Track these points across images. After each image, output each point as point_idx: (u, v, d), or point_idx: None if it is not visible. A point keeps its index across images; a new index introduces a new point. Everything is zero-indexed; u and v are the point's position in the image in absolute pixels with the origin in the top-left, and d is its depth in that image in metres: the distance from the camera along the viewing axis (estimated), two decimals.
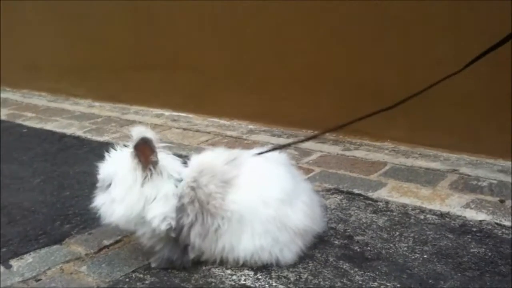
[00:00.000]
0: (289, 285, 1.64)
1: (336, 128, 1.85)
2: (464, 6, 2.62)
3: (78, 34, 4.61)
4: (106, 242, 2.00)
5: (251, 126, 3.55)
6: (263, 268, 1.72)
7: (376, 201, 2.24)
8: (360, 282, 1.63)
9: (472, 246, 1.82)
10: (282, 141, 3.18)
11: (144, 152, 1.67)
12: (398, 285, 1.61)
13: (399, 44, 2.88)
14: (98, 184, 1.77)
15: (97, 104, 4.51)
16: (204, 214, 1.67)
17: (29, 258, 1.90)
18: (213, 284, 1.66)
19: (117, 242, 2.00)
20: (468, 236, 1.89)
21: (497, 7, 2.50)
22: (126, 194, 1.67)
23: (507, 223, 1.97)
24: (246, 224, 1.66)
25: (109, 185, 1.71)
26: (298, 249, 1.74)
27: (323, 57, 3.20)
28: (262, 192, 1.69)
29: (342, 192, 2.36)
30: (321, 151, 2.94)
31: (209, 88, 3.81)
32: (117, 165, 1.72)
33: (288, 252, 1.72)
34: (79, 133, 3.63)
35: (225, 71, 3.69)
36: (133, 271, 1.78)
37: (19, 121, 4.09)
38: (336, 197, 2.30)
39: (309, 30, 3.21)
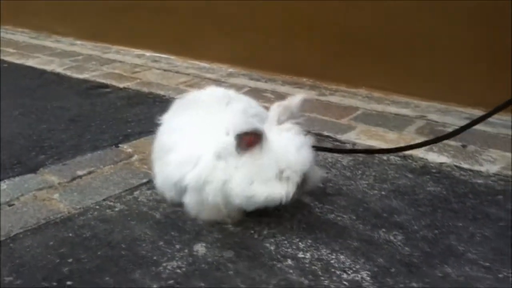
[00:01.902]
0: (251, 214, 1.71)
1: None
2: None
3: None
4: (79, 173, 2.06)
5: (230, 70, 3.58)
6: None
7: (344, 142, 2.32)
8: (318, 214, 1.72)
9: (429, 185, 1.91)
10: (260, 84, 3.22)
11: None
12: (354, 217, 1.70)
13: None
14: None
15: (78, 42, 4.49)
16: None
17: (3, 185, 1.95)
18: (179, 212, 1.73)
19: (90, 173, 2.06)
20: (426, 176, 1.98)
21: None
22: None
23: (466, 166, 2.06)
24: None
25: None
26: None
27: (303, 2, 3.20)
28: None
29: (312, 134, 2.41)
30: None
31: (191, 31, 3.81)
32: None
33: None
34: (59, 70, 3.63)
35: (208, 15, 3.69)
36: (104, 200, 1.84)
37: (0, 56, 4.06)
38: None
39: None
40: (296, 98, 1.69)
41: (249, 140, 1.52)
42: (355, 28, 3.04)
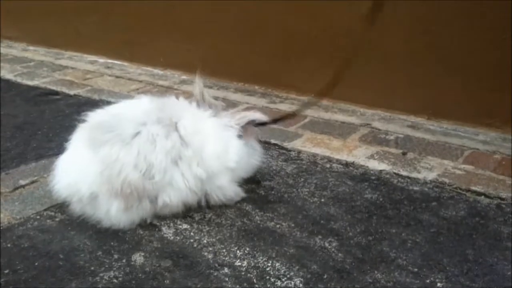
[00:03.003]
0: (192, 224, 1.74)
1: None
2: None
3: None
4: (22, 182, 2.04)
5: (184, 77, 3.59)
6: None
7: (290, 150, 2.36)
8: (258, 222, 1.76)
9: (367, 192, 1.97)
10: (212, 92, 3.24)
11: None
12: (293, 225, 1.74)
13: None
14: None
15: (31, 48, 4.43)
16: None
17: None
18: None
19: (33, 182, 2.05)
20: (365, 183, 2.04)
21: None
22: None
23: (404, 173, 2.13)
24: None
25: None
26: None
27: (255, 9, 3.24)
28: None
29: (259, 142, 2.44)
30: (247, 103, 3.02)
31: (144, 37, 3.81)
32: None
33: None
34: (9, 76, 3.58)
35: (160, 20, 3.69)
36: (45, 209, 1.84)
37: None
38: None
39: None
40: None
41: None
42: (305, 37, 3.09)
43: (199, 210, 1.82)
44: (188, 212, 1.80)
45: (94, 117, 1.79)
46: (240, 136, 1.85)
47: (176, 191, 1.71)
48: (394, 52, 2.81)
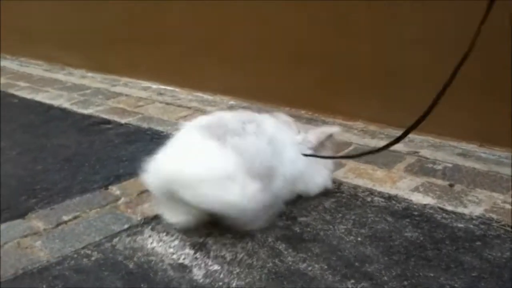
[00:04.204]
0: (223, 264, 1.73)
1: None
2: None
3: (73, 3, 4.66)
4: (65, 218, 2.09)
5: (232, 102, 3.61)
6: (203, 247, 1.82)
7: (332, 182, 2.30)
8: (290, 263, 1.72)
9: (407, 230, 1.88)
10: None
11: None
12: (325, 266, 1.69)
13: (374, 22, 2.90)
14: None
15: (89, 75, 4.59)
16: None
17: None
18: (153, 262, 1.76)
19: (75, 217, 2.10)
20: (406, 220, 1.96)
21: None
22: None
23: (450, 208, 2.02)
24: None
25: None
26: None
27: (305, 34, 3.22)
28: None
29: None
30: None
31: (196, 62, 3.86)
32: None
33: None
34: (66, 105, 3.72)
35: (211, 46, 3.74)
36: (83, 248, 1.87)
37: (12, 91, 4.18)
38: None
39: (291, 6, 3.22)
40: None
41: None
42: (353, 61, 3.03)
43: (232, 249, 1.81)
44: (220, 252, 1.79)
45: (204, 120, 1.96)
46: (313, 150, 2.08)
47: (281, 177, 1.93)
48: (444, 75, 2.69)
